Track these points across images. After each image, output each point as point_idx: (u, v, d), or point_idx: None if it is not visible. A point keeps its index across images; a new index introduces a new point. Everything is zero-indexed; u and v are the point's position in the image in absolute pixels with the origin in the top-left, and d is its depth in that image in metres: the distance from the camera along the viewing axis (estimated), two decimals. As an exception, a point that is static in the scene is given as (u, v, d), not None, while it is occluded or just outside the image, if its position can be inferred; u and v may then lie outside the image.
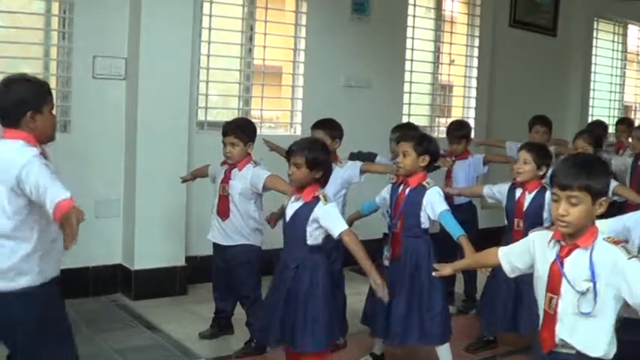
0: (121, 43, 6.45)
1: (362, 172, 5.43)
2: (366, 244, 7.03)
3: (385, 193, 5.00)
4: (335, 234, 4.13)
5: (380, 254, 4.87)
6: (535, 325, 4.97)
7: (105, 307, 6.27)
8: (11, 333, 3.41)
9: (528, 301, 5.03)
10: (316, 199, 4.18)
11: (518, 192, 5.25)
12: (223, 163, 5.34)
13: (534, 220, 5.11)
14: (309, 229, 4.19)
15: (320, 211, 4.15)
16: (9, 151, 3.32)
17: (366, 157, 6.01)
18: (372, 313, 4.90)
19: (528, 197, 5.19)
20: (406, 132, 5.37)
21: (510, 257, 3.39)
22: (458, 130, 6.63)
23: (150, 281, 6.47)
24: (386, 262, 4.80)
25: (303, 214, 4.20)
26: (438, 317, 4.75)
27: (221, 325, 5.63)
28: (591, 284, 2.94)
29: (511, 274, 3.45)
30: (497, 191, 5.44)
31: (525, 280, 4.93)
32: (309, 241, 4.21)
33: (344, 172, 5.37)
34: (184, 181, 6.00)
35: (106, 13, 6.37)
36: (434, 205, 4.69)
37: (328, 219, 4.14)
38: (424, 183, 4.75)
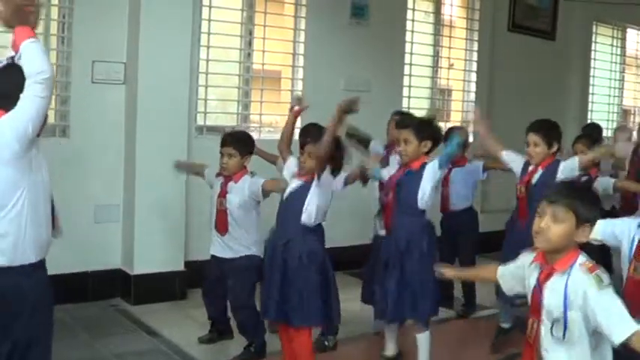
0: (120, 48, 6.46)
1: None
2: (360, 249, 7.07)
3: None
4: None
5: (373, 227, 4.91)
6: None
7: (104, 312, 6.26)
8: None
9: None
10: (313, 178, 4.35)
11: (531, 167, 5.25)
12: (219, 174, 5.31)
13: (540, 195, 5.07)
14: (306, 203, 4.34)
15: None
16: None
17: (362, 138, 6.07)
18: (370, 292, 5.02)
19: (540, 171, 5.17)
20: (405, 118, 5.35)
21: (507, 277, 3.34)
22: None
23: (149, 286, 6.47)
24: (382, 232, 4.82)
25: (303, 191, 4.39)
26: (428, 293, 4.73)
27: (220, 330, 5.62)
28: (562, 311, 2.91)
29: (510, 294, 3.41)
30: (512, 160, 5.40)
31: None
32: (303, 218, 4.35)
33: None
34: (178, 165, 6.01)
35: (105, 18, 6.38)
36: (430, 168, 4.70)
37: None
38: (426, 161, 4.76)
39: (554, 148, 5.18)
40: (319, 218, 4.47)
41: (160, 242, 6.53)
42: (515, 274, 3.26)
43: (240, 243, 5.21)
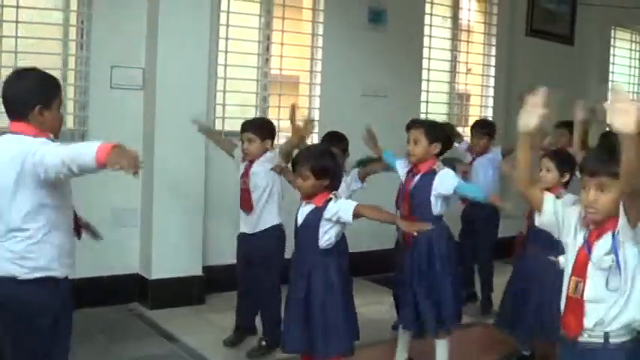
0: (138, 54, 6.49)
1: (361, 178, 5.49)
2: (379, 254, 7.05)
3: (401, 165, 4.99)
4: (349, 215, 4.11)
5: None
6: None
7: (121, 316, 6.28)
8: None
9: (550, 307, 5.07)
10: (328, 201, 4.21)
11: None
12: (243, 159, 5.48)
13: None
14: (321, 230, 4.22)
15: (332, 207, 4.17)
16: (17, 142, 3.23)
17: (371, 159, 5.94)
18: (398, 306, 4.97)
19: None
20: (416, 120, 5.33)
21: (557, 207, 3.26)
22: (482, 127, 6.77)
23: (167, 291, 6.48)
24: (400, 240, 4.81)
25: (315, 217, 4.23)
26: (450, 303, 4.74)
27: (244, 329, 5.65)
28: (613, 257, 2.97)
29: (539, 224, 3.35)
30: None
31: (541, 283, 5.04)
32: (322, 244, 4.24)
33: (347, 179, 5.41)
34: (198, 124, 6.05)
35: (124, 24, 6.41)
36: (445, 181, 4.62)
37: (339, 207, 4.16)
38: (434, 167, 4.70)
39: (565, 179, 5.16)
40: (339, 236, 4.38)
41: (177, 247, 6.54)
42: (563, 218, 3.23)
43: (264, 220, 5.39)
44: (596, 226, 3.07)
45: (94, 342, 5.57)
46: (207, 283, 6.73)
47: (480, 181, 6.43)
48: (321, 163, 4.20)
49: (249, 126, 5.42)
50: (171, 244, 6.50)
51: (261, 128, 5.42)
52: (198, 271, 6.69)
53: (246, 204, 5.41)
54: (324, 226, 4.21)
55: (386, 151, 5.29)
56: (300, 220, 4.31)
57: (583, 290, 3.05)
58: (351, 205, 4.14)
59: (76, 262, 5.78)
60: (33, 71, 3.47)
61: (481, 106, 9.33)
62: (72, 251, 3.50)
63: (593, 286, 3.03)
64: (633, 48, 11.44)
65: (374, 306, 6.55)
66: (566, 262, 3.16)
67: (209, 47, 6.66)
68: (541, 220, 3.29)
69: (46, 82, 3.42)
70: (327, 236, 4.23)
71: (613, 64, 11.03)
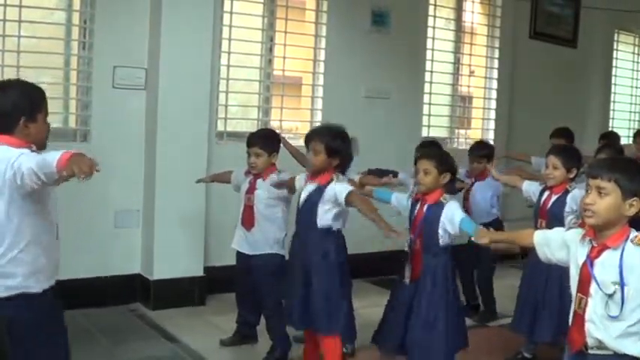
0: (141, 54, 6.47)
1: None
2: (369, 258, 6.99)
3: (403, 200, 4.92)
4: (342, 197, 4.27)
5: (401, 272, 4.81)
6: (557, 331, 5.03)
7: (123, 317, 6.25)
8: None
9: (550, 307, 5.09)
10: (330, 180, 4.36)
11: (546, 194, 5.24)
12: (247, 172, 5.39)
13: (554, 221, 5.06)
14: (320, 210, 4.36)
15: (332, 188, 4.33)
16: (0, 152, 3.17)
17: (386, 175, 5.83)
18: (388, 331, 4.83)
19: (553, 198, 5.17)
20: (428, 149, 5.29)
21: (550, 246, 3.30)
22: (480, 149, 6.62)
23: (169, 291, 6.46)
24: (406, 281, 4.71)
25: (317, 195, 4.40)
26: (444, 331, 4.60)
27: (243, 334, 5.61)
28: (619, 287, 2.91)
29: (545, 261, 3.38)
30: (532, 192, 5.40)
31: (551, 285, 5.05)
32: (320, 223, 4.36)
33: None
34: (200, 181, 6.02)
35: (126, 24, 6.39)
36: (453, 217, 4.57)
37: (337, 188, 4.31)
38: (441, 199, 4.64)
39: (572, 175, 5.15)
40: (338, 219, 4.47)
41: (179, 248, 6.52)
42: (563, 243, 3.23)
43: (263, 241, 5.28)
44: (594, 235, 3.03)
45: (96, 343, 5.55)
46: (209, 284, 6.71)
47: (479, 204, 6.39)
48: (335, 141, 4.33)
49: (256, 141, 5.31)
50: (173, 244, 6.48)
51: (268, 142, 5.31)
52: (199, 272, 6.67)
53: (248, 220, 5.31)
54: (323, 206, 4.34)
55: (377, 190, 5.18)
56: (302, 199, 4.43)
57: (585, 307, 3.01)
58: (347, 189, 4.30)
59: (78, 262, 5.87)
60: (17, 83, 3.42)
61: (484, 109, 9.29)
62: (50, 265, 3.38)
63: (593, 308, 2.99)
64: (636, 52, 11.44)
65: (374, 308, 6.51)
66: (572, 277, 3.12)
67: (212, 47, 6.64)
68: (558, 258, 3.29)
69: (31, 93, 3.35)
70: (326, 216, 4.38)
71: (616, 67, 11.02)
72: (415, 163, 5.40)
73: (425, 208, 4.63)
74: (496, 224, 6.22)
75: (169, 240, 6.47)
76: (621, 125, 11.08)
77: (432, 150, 5.27)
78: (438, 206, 4.60)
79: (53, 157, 2.96)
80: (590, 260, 3.01)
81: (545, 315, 5.12)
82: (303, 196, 4.43)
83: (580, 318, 3.03)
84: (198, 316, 6.35)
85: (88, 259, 6.24)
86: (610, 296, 2.92)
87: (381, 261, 7.23)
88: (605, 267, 2.97)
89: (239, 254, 5.45)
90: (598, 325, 2.97)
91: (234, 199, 5.65)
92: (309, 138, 4.40)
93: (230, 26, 6.97)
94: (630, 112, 11.47)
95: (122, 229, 6.52)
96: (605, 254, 2.98)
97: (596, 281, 2.97)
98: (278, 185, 5.16)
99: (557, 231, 3.37)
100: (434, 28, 8.54)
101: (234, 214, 5.60)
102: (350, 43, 7.73)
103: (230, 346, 5.57)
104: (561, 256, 3.25)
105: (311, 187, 4.41)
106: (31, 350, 3.24)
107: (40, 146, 3.35)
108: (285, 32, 7.39)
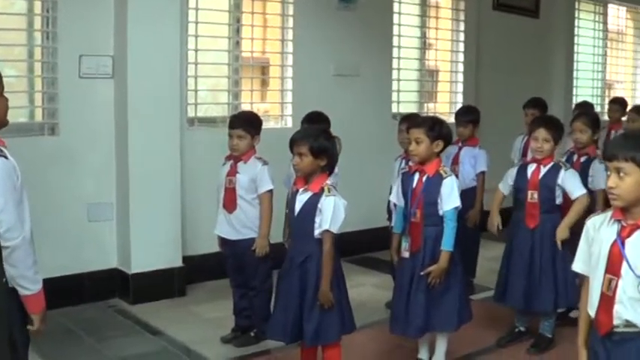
0: (107, 41, 6.25)
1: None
2: (371, 233, 6.93)
3: (397, 187, 4.84)
4: (322, 227, 4.16)
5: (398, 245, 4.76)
6: (561, 302, 4.98)
7: (103, 314, 6.09)
8: None
9: (547, 277, 5.09)
10: (322, 190, 4.20)
11: (531, 167, 5.18)
12: (228, 157, 5.28)
13: (547, 192, 5.09)
14: (317, 220, 4.19)
15: (323, 202, 4.17)
16: None
17: None
18: (393, 309, 4.82)
19: (543, 170, 5.12)
20: (415, 119, 5.22)
21: (585, 261, 3.13)
22: (465, 114, 6.61)
23: (148, 284, 6.30)
24: (405, 254, 4.67)
25: (311, 206, 4.21)
26: (456, 303, 4.66)
27: (241, 326, 5.47)
28: None
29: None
30: (510, 177, 5.33)
31: (542, 256, 5.08)
32: (317, 233, 4.20)
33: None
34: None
35: (91, 11, 6.16)
36: (447, 199, 4.56)
37: (326, 211, 4.15)
38: (441, 171, 4.61)
39: (559, 146, 5.21)
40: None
41: (156, 239, 6.36)
42: (587, 247, 3.09)
43: (245, 224, 5.22)
44: (623, 216, 2.92)
45: (80, 342, 5.40)
46: (189, 274, 6.58)
47: (466, 168, 6.38)
48: (318, 142, 4.19)
49: (240, 123, 5.22)
50: (149, 236, 6.32)
51: (252, 124, 5.24)
52: (178, 262, 6.53)
53: (230, 203, 5.22)
54: (319, 216, 4.19)
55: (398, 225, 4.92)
56: (297, 209, 4.23)
57: (615, 288, 2.89)
58: (327, 223, 4.15)
59: (52, 260, 5.69)
60: None
61: (450, 82, 9.26)
62: None
63: (623, 288, 2.88)
64: (596, 19, 11.46)
65: (358, 288, 6.54)
66: (599, 256, 2.99)
67: (179, 32, 6.46)
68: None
69: None
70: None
71: (577, 35, 11.02)
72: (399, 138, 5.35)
73: (424, 179, 4.59)
74: (473, 193, 6.39)
75: (146, 231, 6.30)
76: (584, 93, 11.10)
77: (420, 118, 5.20)
78: (438, 178, 4.58)
79: (35, 276, 3.07)
80: (620, 239, 2.90)
81: (542, 283, 5.10)
82: (298, 206, 4.24)
83: (609, 300, 2.92)
84: (180, 308, 6.23)
85: (62, 255, 6.06)
86: None
87: (359, 239, 7.30)
88: (638, 247, 2.86)
89: (224, 241, 5.34)
90: (627, 306, 2.87)
91: (209, 186, 5.57)
92: (292, 143, 4.25)
93: (196, 9, 6.78)
94: (593, 79, 11.51)
95: (96, 223, 6.34)
96: (637, 234, 2.88)
97: (627, 262, 2.86)
98: None
99: (580, 248, 3.19)
100: (399, 2, 8.44)
101: (210, 201, 5.49)
102: (317, 22, 7.60)
103: (230, 342, 5.41)
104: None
105: (304, 196, 4.23)
106: None
107: (2, 123, 3.21)
108: (252, 13, 7.24)
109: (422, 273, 4.52)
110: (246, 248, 5.19)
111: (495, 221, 5.33)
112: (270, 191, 5.19)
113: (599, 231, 3.01)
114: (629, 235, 2.89)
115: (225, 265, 5.46)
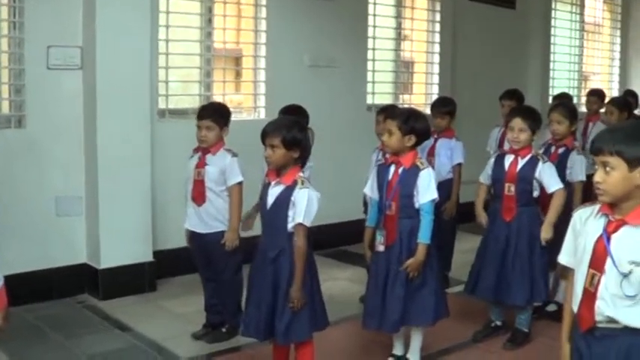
0: (75, 31, 6.11)
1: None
2: (346, 226, 6.86)
3: (372, 180, 4.77)
4: (295, 221, 4.08)
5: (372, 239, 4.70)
6: (536, 296, 4.92)
7: (72, 310, 5.97)
8: None
9: (521, 271, 5.05)
10: (295, 183, 4.10)
11: (508, 159, 5.14)
12: (196, 149, 5.19)
13: (525, 185, 5.04)
14: (290, 213, 4.10)
15: (296, 194, 4.08)
16: None
17: None
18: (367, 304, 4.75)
19: (521, 162, 5.07)
20: (392, 110, 5.17)
21: (571, 253, 3.06)
22: (442, 105, 6.56)
23: (117, 279, 6.20)
24: (380, 248, 4.61)
25: (284, 199, 4.12)
26: (432, 297, 4.61)
27: (212, 323, 5.38)
28: (635, 267, 2.73)
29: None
30: (490, 167, 5.29)
31: (516, 249, 5.05)
32: (290, 227, 4.11)
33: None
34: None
35: (59, 0, 6.02)
36: (423, 191, 4.51)
37: (299, 204, 4.07)
38: (418, 163, 4.55)
39: (535, 137, 5.12)
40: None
41: (126, 233, 6.25)
42: (573, 240, 3.02)
43: (215, 217, 5.15)
44: (611, 210, 2.85)
45: (48, 339, 5.28)
46: (159, 269, 6.48)
47: (442, 160, 6.34)
48: (291, 133, 4.09)
49: (209, 113, 5.13)
50: (119, 230, 6.20)
51: (221, 115, 5.15)
52: (148, 257, 6.42)
53: (199, 195, 5.13)
54: (292, 209, 4.10)
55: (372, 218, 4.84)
56: (269, 202, 4.14)
57: (598, 284, 2.83)
58: (300, 216, 4.07)
59: (19, 255, 5.57)
60: None
61: (426, 73, 9.20)
62: None
63: (606, 285, 2.81)
64: (573, 10, 11.44)
65: (332, 282, 6.50)
66: (584, 250, 2.92)
67: (150, 22, 6.33)
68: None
69: None
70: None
71: (554, 26, 11.00)
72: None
73: (400, 170, 4.53)
74: (450, 184, 6.38)
75: (115, 226, 6.19)
76: (561, 85, 11.08)
77: (397, 109, 5.14)
78: (414, 170, 4.54)
79: None
80: (606, 234, 2.82)
81: (515, 276, 5.06)
82: (270, 199, 4.15)
83: (591, 296, 2.85)
84: (150, 303, 6.14)
85: (30, 250, 5.94)
86: (625, 276, 2.76)
87: (331, 232, 7.23)
88: (623, 244, 2.78)
89: (193, 234, 5.25)
90: (609, 303, 2.80)
91: (179, 180, 5.44)
92: (264, 134, 4.15)
93: (167, -2, 6.65)
94: (569, 70, 11.50)
95: (64, 218, 6.20)
96: (624, 230, 2.79)
97: (612, 258, 2.79)
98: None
99: (567, 239, 3.11)
100: (375, -8, 8.35)
101: (180, 195, 5.38)
102: (291, 12, 7.50)
103: (202, 339, 5.31)
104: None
105: (277, 189, 4.13)
106: None
107: None
108: (225, 2, 7.12)
109: (400, 269, 4.48)
110: (216, 241, 5.10)
111: (482, 217, 5.29)
112: (240, 183, 5.11)
113: (586, 224, 2.94)
114: (615, 231, 2.81)
115: (194, 259, 5.37)
